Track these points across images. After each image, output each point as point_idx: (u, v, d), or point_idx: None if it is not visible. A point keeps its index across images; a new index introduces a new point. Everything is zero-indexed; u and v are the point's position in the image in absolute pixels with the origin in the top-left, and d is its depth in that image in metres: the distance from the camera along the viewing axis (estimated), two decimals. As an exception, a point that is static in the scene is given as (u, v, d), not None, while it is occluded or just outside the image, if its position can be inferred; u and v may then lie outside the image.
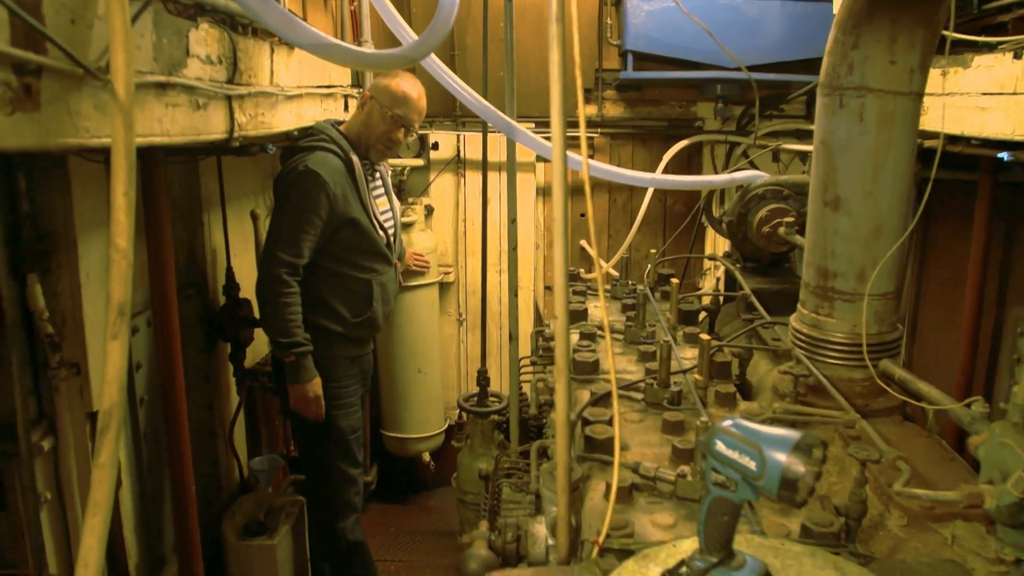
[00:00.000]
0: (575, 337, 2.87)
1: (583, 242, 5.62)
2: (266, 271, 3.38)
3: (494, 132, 4.36)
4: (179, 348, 2.91)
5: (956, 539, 1.73)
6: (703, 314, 3.36)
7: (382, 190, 3.82)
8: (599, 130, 5.58)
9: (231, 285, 3.91)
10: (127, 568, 2.91)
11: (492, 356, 5.42)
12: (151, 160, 2.62)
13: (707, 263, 5.54)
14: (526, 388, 3.64)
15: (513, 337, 3.39)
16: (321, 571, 4.01)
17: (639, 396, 2.38)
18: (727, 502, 1.28)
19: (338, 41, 2.62)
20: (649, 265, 3.61)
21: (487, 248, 4.89)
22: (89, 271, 2.53)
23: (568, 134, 1.51)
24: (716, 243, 5.34)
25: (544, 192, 5.64)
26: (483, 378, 4.60)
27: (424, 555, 5.07)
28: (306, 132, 3.51)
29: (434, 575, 4.90)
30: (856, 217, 2.29)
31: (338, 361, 3.63)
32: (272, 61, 3.00)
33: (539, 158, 5.23)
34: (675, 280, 3.12)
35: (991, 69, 3.00)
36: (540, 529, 1.88)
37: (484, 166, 4.66)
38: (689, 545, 1.47)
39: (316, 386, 3.48)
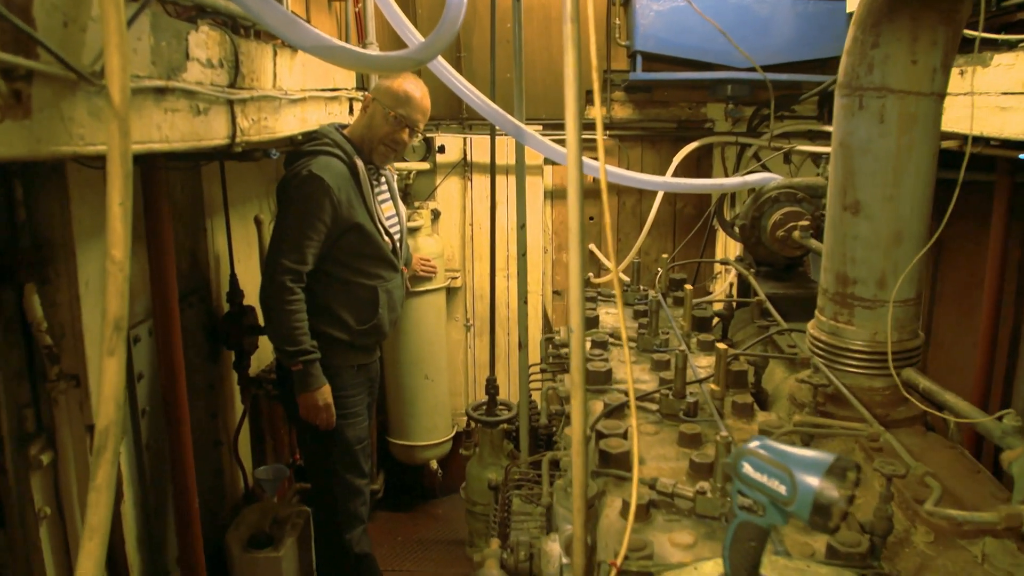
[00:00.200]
0: (586, 346, 2.80)
1: (592, 246, 5.56)
2: (270, 278, 3.32)
3: (502, 135, 4.30)
4: (181, 358, 2.86)
5: (987, 557, 1.66)
6: (716, 319, 3.30)
7: (387, 195, 3.76)
8: (607, 132, 5.52)
9: (235, 292, 3.87)
10: (129, 582, 2.86)
11: (500, 361, 5.35)
12: (152, 166, 2.56)
13: (717, 267, 5.47)
14: (536, 396, 3.58)
15: (522, 345, 3.33)
16: (327, 583, 3.95)
17: (654, 407, 2.31)
18: (754, 527, 1.21)
19: (342, 43, 2.55)
20: (661, 270, 3.54)
21: (495, 252, 4.83)
22: (88, 280, 2.47)
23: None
24: (727, 246, 5.26)
25: (552, 195, 5.58)
26: (492, 387, 4.53)
27: (432, 565, 5.00)
28: (310, 136, 3.45)
29: (443, 585, 4.84)
30: (877, 222, 2.22)
31: (344, 370, 3.57)
32: (275, 64, 2.95)
33: (547, 160, 5.17)
34: (689, 287, 3.05)
35: (1012, 68, 2.93)
36: (554, 547, 1.81)
37: (492, 169, 4.60)
38: (712, 568, 1.41)
39: (325, 393, 3.42)
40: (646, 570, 1.50)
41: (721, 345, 2.32)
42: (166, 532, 3.28)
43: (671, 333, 2.94)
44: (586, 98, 4.34)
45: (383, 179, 3.75)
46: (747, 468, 1.18)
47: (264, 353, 4.15)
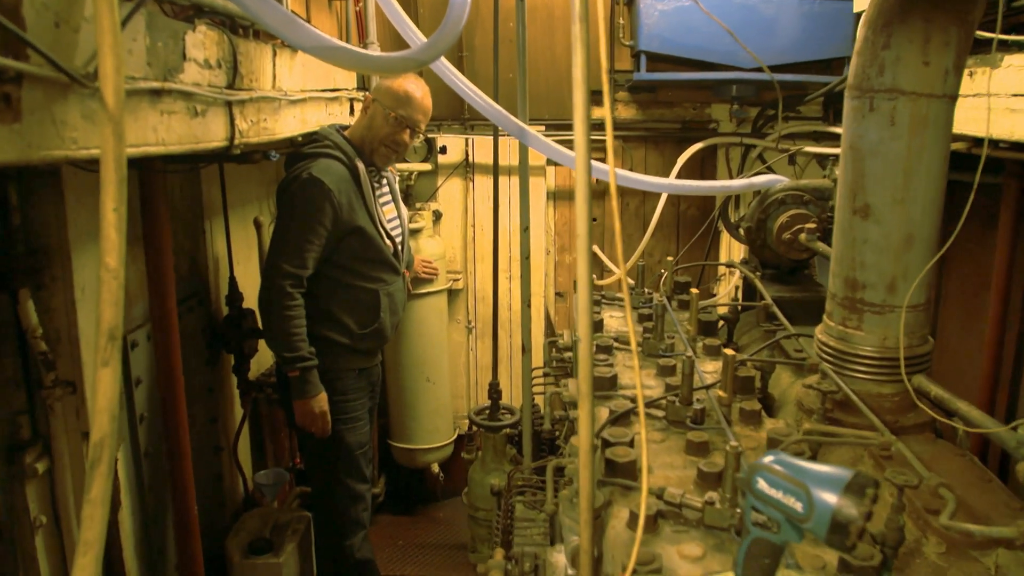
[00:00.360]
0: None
1: (595, 247, 5.51)
2: (269, 283, 3.28)
3: (504, 135, 4.26)
4: (180, 363, 2.82)
5: (1000, 569, 1.62)
6: (721, 323, 3.25)
7: (389, 197, 3.72)
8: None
9: (234, 295, 3.83)
10: (128, 591, 2.82)
11: (503, 363, 5.31)
12: (149, 169, 2.52)
13: (721, 269, 5.42)
14: (539, 400, 3.54)
15: (526, 349, 3.29)
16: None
17: (660, 414, 2.26)
18: (768, 544, 1.18)
19: (342, 44, 2.51)
20: (666, 273, 3.50)
21: (498, 254, 4.79)
22: (84, 286, 2.43)
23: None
24: (732, 248, 5.22)
25: (555, 196, 5.54)
26: (495, 391, 4.49)
27: (434, 569, 4.96)
28: (310, 138, 3.41)
29: (444, 591, 4.81)
30: (887, 226, 2.18)
31: (345, 374, 3.53)
32: (274, 64, 2.91)
33: (550, 161, 5.12)
34: (695, 290, 3.01)
35: (1023, 69, 2.88)
36: (559, 559, 1.77)
37: (495, 171, 4.55)
38: (723, 584, 1.37)
39: (322, 401, 3.38)
40: (655, 585, 1.46)
41: (728, 351, 2.28)
42: (165, 539, 3.24)
43: (676, 337, 2.89)
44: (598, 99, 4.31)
45: (384, 181, 3.71)
46: (762, 484, 1.14)
47: (264, 356, 4.12)
